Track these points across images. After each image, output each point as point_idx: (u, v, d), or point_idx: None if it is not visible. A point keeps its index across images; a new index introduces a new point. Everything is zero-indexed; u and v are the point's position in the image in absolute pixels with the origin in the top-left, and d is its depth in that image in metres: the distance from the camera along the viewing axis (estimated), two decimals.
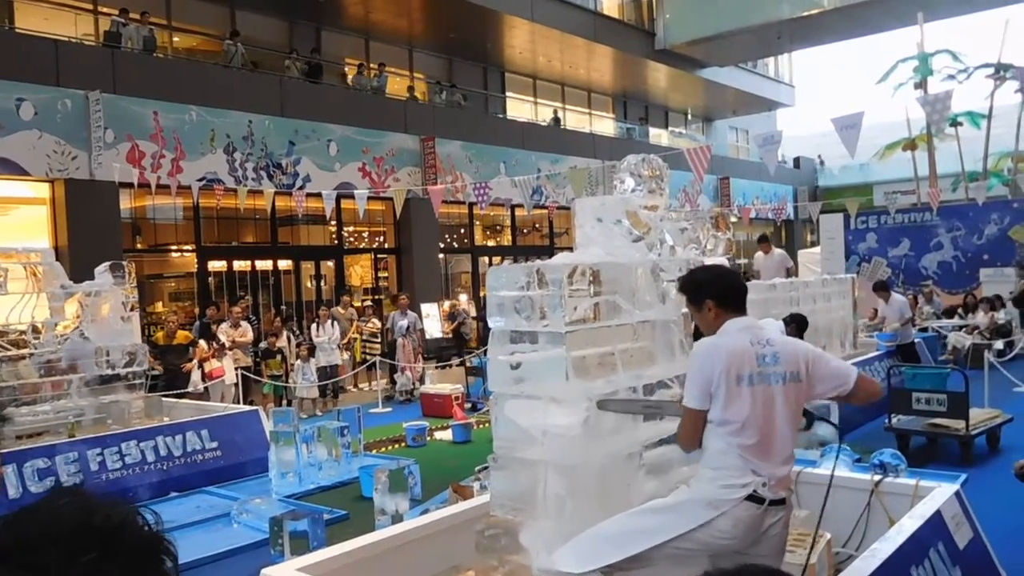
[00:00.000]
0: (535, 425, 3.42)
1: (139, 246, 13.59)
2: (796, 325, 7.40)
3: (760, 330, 2.95)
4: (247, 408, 8.51)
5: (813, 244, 23.37)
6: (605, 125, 26.05)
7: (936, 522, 3.67)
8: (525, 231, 21.59)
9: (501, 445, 3.55)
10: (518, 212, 19.98)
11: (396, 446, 8.84)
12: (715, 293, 2.94)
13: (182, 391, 9.50)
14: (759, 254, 11.93)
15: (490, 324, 3.60)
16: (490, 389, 3.65)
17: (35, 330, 7.61)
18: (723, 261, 4.14)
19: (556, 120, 21.77)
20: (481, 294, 17.60)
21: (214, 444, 7.39)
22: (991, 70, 21.77)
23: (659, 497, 3.15)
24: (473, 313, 16.80)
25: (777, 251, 12.13)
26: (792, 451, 2.87)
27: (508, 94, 22.55)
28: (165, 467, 7.01)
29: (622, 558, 2.80)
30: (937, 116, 6.88)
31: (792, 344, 2.98)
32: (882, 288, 10.85)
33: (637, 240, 3.88)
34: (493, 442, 3.57)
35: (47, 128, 11.27)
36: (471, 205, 18.20)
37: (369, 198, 13.46)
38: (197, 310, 13.43)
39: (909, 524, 3.53)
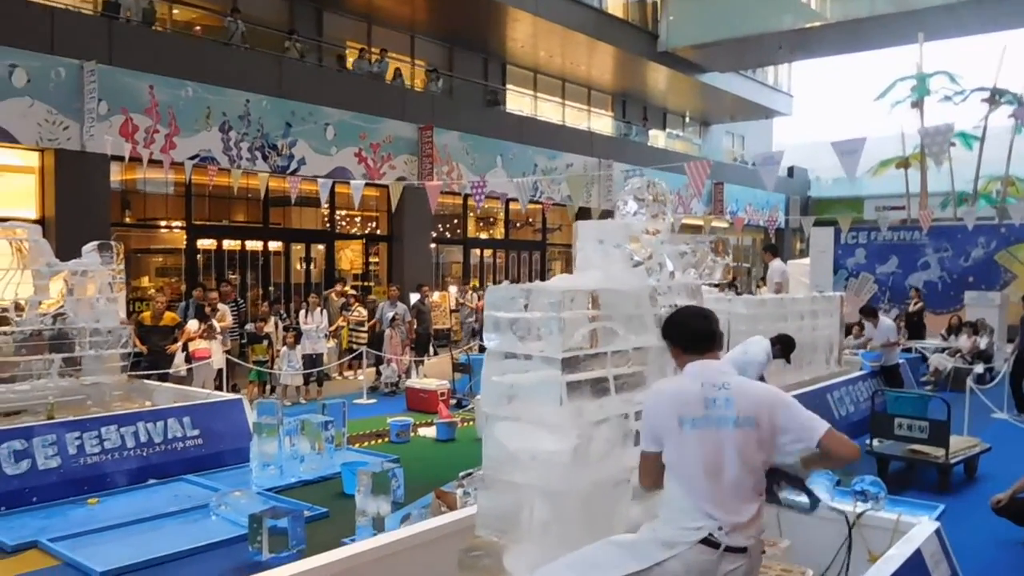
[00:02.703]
0: (524, 449, 3.40)
1: (128, 219, 13.45)
2: (782, 346, 7.36)
3: (719, 372, 2.90)
4: (231, 396, 8.43)
5: (801, 254, 23.46)
6: (603, 123, 26.00)
7: (916, 561, 3.70)
8: (518, 225, 21.55)
9: (489, 465, 3.53)
10: (512, 205, 19.92)
11: (379, 441, 8.80)
12: (676, 339, 3.09)
13: (164, 371, 9.41)
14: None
15: (485, 343, 3.58)
16: (483, 409, 3.63)
17: (18, 307, 7.49)
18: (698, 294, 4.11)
19: (496, 101, 21.27)
20: (471, 284, 17.54)
21: (196, 432, 7.31)
22: (986, 93, 21.86)
23: (645, 523, 3.17)
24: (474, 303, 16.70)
25: (775, 263, 11.85)
26: (754, 499, 2.79)
27: (508, 87, 22.43)
28: (144, 453, 6.93)
29: None
30: (936, 148, 6.90)
31: (755, 390, 2.90)
32: (871, 314, 10.80)
33: (637, 265, 3.87)
34: (482, 462, 3.54)
35: (39, 96, 11.12)
36: (465, 196, 18.16)
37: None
38: (184, 287, 13.33)
39: (890, 562, 3.55)
